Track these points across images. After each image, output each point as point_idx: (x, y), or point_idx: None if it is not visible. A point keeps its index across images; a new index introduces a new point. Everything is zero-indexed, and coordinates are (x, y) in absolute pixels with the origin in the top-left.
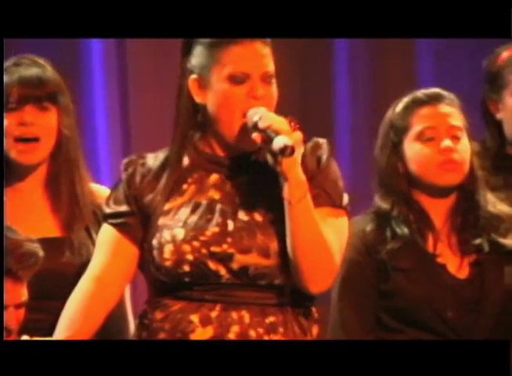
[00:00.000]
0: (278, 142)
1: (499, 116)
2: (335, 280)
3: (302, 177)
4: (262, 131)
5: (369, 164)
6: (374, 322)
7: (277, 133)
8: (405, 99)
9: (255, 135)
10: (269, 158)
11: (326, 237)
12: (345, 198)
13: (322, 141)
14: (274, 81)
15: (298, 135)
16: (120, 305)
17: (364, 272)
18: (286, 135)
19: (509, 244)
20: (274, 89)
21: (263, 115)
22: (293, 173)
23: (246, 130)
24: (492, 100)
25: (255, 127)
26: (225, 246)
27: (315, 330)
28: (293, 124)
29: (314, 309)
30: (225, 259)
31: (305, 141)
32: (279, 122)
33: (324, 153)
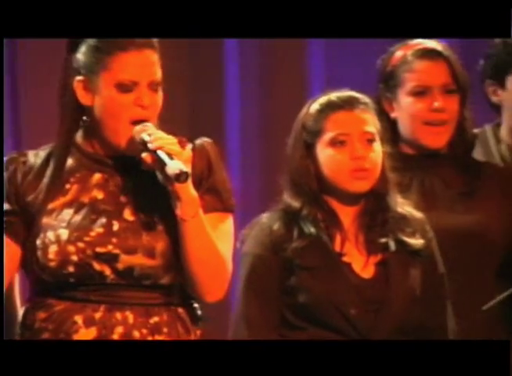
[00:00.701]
0: (172, 169)
1: (393, 115)
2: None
3: (194, 194)
4: (153, 152)
5: (259, 164)
6: (279, 319)
7: (169, 155)
8: (320, 101)
9: (145, 156)
10: (160, 177)
11: (220, 249)
12: (232, 199)
13: (210, 142)
14: (160, 88)
15: (188, 154)
16: (7, 303)
17: (269, 269)
18: (177, 157)
19: (415, 244)
20: (160, 97)
21: (153, 134)
22: (186, 192)
23: (131, 138)
24: (386, 99)
25: (145, 146)
26: (110, 246)
27: (198, 329)
28: (182, 143)
29: (197, 307)
30: (110, 260)
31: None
32: (170, 143)
33: (212, 155)
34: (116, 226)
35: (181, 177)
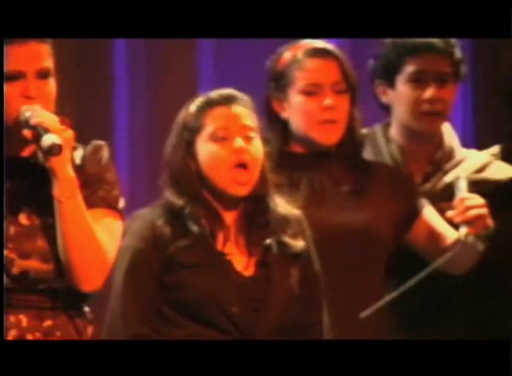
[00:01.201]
0: (46, 140)
1: (283, 115)
2: (107, 278)
3: (71, 175)
4: (32, 127)
5: (148, 164)
6: (154, 313)
7: (47, 130)
8: (199, 99)
9: (26, 132)
10: (40, 155)
11: (98, 236)
12: (121, 202)
13: (102, 144)
14: (52, 78)
15: (69, 133)
16: None
17: (149, 264)
18: (55, 134)
19: (296, 246)
20: (51, 86)
21: (34, 112)
22: (62, 171)
23: (19, 131)
24: (276, 99)
25: (26, 123)
26: (6, 251)
27: (89, 330)
28: (64, 122)
29: (88, 310)
30: (5, 264)
31: (83, 143)
32: (50, 120)
33: (103, 156)
34: (12, 230)
35: (53, 149)
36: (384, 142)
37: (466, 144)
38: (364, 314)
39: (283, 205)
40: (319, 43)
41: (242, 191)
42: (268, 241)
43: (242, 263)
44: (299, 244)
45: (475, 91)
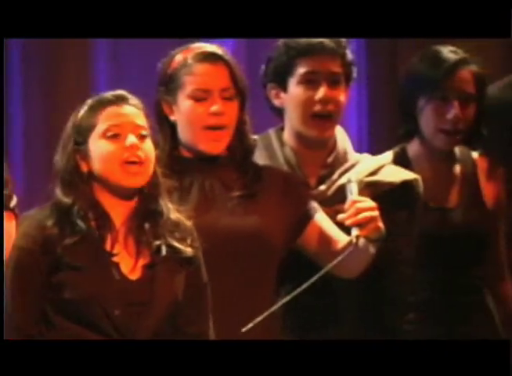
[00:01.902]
0: None
1: (173, 118)
2: None
3: None
4: None
5: (43, 164)
6: (39, 315)
7: None
8: (91, 99)
9: None
10: None
11: None
12: (14, 201)
13: None
14: None
15: None
16: None
17: (37, 264)
18: None
19: (185, 251)
20: None
21: None
22: None
23: None
24: (166, 102)
25: None
26: None
27: None
28: None
29: None
30: None
31: None
32: None
33: None
34: None
35: None
36: (279, 146)
37: (361, 148)
38: (245, 329)
39: (174, 211)
40: (210, 47)
41: (136, 182)
42: (157, 243)
43: (129, 265)
44: (188, 249)
45: (370, 95)
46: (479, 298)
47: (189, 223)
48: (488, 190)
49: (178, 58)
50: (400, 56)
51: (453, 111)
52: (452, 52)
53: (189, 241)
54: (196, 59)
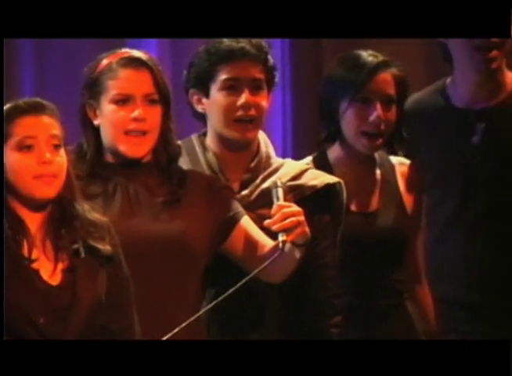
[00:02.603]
0: None
1: (96, 122)
2: None
3: None
4: None
5: None
6: None
7: None
8: (6, 108)
9: None
10: None
11: None
12: None
13: None
14: None
15: None
16: None
17: None
18: None
19: (104, 249)
20: None
21: None
22: None
23: None
24: (90, 106)
25: None
26: None
27: None
28: None
29: None
30: None
31: None
32: None
33: None
34: None
35: None
36: (201, 151)
37: (285, 153)
38: (167, 337)
39: (90, 211)
40: (136, 53)
41: (48, 193)
42: (75, 246)
43: (49, 271)
44: (107, 247)
45: (295, 99)
46: (399, 301)
47: (105, 219)
48: (408, 194)
49: (104, 62)
50: (325, 59)
51: (375, 113)
52: (371, 55)
53: (107, 239)
54: (120, 63)
